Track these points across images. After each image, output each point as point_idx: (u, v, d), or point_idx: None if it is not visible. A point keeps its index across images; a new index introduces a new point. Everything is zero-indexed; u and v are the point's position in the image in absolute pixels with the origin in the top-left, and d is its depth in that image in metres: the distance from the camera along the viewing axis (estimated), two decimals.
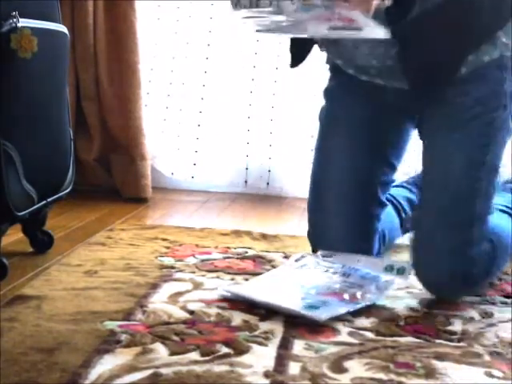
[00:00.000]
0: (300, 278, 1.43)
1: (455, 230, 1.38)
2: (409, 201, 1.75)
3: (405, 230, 1.71)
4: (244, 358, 1.08)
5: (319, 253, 1.53)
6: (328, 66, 1.59)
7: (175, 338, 1.15)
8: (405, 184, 1.82)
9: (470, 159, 1.39)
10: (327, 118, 1.57)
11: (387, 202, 1.61)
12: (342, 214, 1.52)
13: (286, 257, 1.68)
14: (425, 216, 1.44)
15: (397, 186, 1.76)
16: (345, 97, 1.54)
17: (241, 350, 1.11)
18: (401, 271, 1.43)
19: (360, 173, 1.52)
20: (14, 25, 1.38)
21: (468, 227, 1.38)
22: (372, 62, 1.42)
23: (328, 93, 1.59)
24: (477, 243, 1.39)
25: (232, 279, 1.50)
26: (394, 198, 1.71)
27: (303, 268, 1.49)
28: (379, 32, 1.19)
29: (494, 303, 1.41)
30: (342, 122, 1.54)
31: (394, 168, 1.59)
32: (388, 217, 1.63)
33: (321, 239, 1.55)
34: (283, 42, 2.49)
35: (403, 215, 1.71)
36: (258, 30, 1.26)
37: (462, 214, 1.39)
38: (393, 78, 1.42)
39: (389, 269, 1.44)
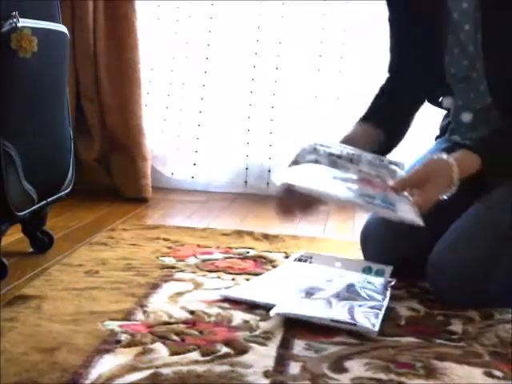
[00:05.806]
0: (299, 278, 1.43)
1: (477, 242, 1.35)
2: None
3: None
4: (244, 358, 1.08)
5: (299, 254, 1.56)
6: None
7: (175, 337, 1.15)
8: None
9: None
10: None
11: None
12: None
13: (287, 257, 1.68)
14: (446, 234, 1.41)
15: None
16: None
17: (241, 350, 1.11)
18: (380, 273, 1.43)
19: None
20: (14, 25, 1.38)
21: (494, 242, 1.35)
22: None
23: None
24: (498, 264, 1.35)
25: (233, 279, 1.50)
26: None
27: (302, 267, 1.50)
28: (413, 218, 1.17)
29: None
30: None
31: None
32: None
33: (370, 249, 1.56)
34: (283, 42, 2.50)
35: None
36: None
37: (487, 233, 1.35)
38: None
39: (367, 270, 1.44)
